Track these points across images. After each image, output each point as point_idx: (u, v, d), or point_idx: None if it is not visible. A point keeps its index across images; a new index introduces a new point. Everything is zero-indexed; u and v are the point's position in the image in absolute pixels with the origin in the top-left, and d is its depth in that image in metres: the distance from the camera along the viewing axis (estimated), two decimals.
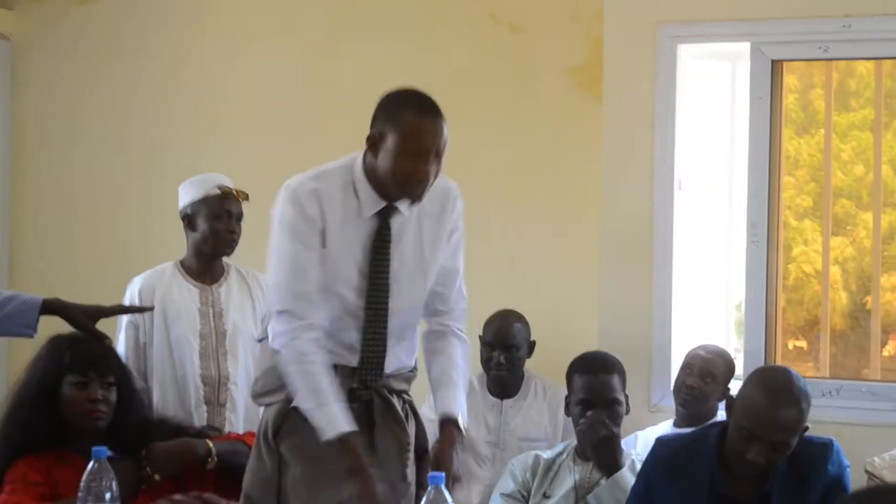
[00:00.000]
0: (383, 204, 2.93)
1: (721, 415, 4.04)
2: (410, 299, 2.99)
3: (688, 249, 4.54)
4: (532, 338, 4.39)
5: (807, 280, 4.65)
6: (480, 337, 4.32)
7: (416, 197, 2.90)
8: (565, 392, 4.35)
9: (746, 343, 4.36)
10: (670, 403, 4.29)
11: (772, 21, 4.30)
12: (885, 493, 1.78)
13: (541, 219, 4.85)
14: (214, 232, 3.81)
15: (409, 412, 3.05)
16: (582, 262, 4.69)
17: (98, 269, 5.36)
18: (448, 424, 2.91)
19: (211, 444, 3.23)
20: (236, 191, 3.86)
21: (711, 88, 4.66)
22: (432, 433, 2.98)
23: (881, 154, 4.45)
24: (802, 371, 4.21)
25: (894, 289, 4.50)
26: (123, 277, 5.32)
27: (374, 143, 2.91)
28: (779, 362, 4.38)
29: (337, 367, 2.93)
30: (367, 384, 2.96)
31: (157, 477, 3.14)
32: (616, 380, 3.55)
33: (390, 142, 2.86)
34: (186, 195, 3.88)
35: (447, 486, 2.59)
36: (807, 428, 3.00)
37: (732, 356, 4.27)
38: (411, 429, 3.03)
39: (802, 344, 4.75)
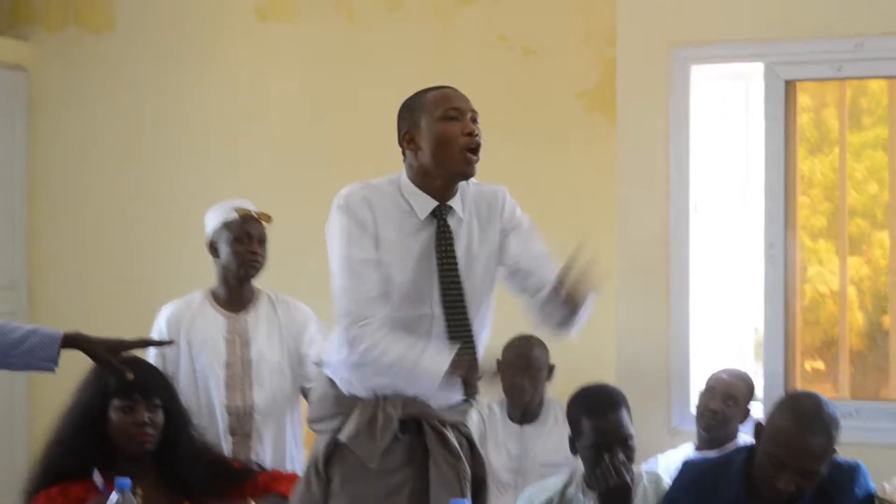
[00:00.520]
0: (436, 203, 2.89)
1: (742, 437, 4.02)
2: (476, 299, 2.93)
3: (704, 271, 4.52)
4: (551, 362, 4.37)
5: (822, 300, 4.63)
6: (498, 361, 4.30)
7: (469, 165, 2.86)
8: None
9: (766, 365, 4.34)
10: (690, 427, 4.27)
11: (785, 41, 4.30)
12: None
13: (555, 242, 4.83)
14: (236, 254, 3.80)
15: (466, 444, 3.01)
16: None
17: (115, 295, 5.38)
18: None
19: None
20: (257, 213, 3.85)
21: (725, 109, 4.66)
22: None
23: (895, 172, 4.44)
24: (821, 392, 4.19)
25: None
26: (139, 302, 5.36)
27: (410, 139, 2.90)
28: (798, 384, 4.36)
29: (387, 398, 2.89)
30: (471, 383, 2.86)
31: None
32: (625, 414, 3.37)
33: (425, 123, 2.86)
34: (209, 223, 3.88)
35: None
36: (835, 451, 2.98)
37: (752, 378, 4.25)
38: (468, 460, 2.98)
39: (820, 365, 4.73)
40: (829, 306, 4.55)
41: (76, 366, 3.17)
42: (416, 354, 2.78)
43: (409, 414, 2.92)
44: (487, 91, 5.02)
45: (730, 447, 3.68)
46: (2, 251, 5.44)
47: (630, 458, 3.34)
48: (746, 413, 4.09)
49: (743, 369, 4.28)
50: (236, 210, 3.84)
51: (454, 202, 2.93)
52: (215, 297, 3.88)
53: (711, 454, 3.60)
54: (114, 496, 2.71)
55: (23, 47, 5.48)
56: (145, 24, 5.37)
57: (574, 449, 3.42)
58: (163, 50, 5.32)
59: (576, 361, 4.51)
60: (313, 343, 3.80)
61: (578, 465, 3.61)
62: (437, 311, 2.89)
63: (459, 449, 2.95)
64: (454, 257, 2.89)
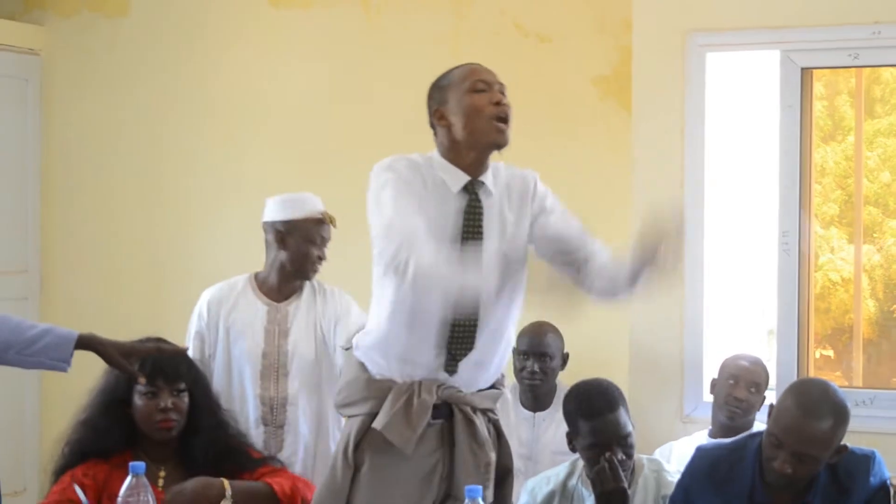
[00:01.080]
0: (468, 178, 2.91)
1: (757, 425, 4.02)
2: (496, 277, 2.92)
3: (718, 259, 4.52)
4: (565, 350, 4.38)
5: (833, 288, 4.63)
6: (514, 347, 4.31)
7: (501, 133, 2.88)
8: None
9: (779, 352, 4.35)
10: (702, 414, 4.28)
11: (801, 29, 4.29)
12: None
13: None
14: (305, 255, 3.78)
15: (494, 431, 3.02)
16: None
17: (127, 280, 5.40)
18: None
19: (227, 485, 3.16)
20: (330, 217, 3.85)
21: (740, 96, 4.65)
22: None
23: None
24: (833, 381, 4.19)
25: None
26: (151, 287, 5.38)
27: (440, 115, 2.94)
28: (810, 372, 4.36)
29: (422, 383, 2.89)
30: (456, 357, 2.90)
31: None
32: (622, 413, 3.34)
33: (453, 98, 2.91)
34: (281, 211, 3.82)
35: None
36: (845, 447, 2.97)
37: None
38: (495, 448, 2.99)
39: (830, 353, 4.73)
40: (841, 294, 4.56)
41: (88, 359, 3.18)
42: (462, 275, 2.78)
43: (443, 398, 2.92)
44: (503, 79, 5.01)
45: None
46: (14, 236, 5.45)
47: (629, 456, 3.33)
48: (763, 400, 4.10)
49: (756, 355, 4.28)
50: (321, 213, 3.82)
51: (486, 178, 2.95)
52: (260, 284, 3.84)
53: (724, 441, 3.60)
54: (129, 479, 2.73)
55: (37, 32, 5.48)
56: (159, 9, 5.36)
57: (572, 448, 3.42)
58: (177, 34, 5.32)
59: (590, 349, 4.51)
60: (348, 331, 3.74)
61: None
62: None
63: (488, 436, 2.96)
64: (480, 230, 2.91)
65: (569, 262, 3.01)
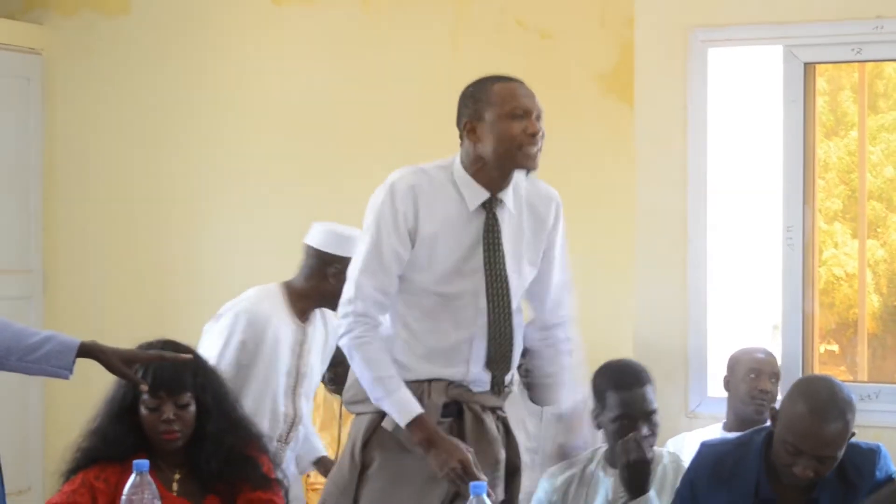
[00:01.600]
0: (487, 195, 2.89)
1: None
2: (517, 292, 2.95)
3: (722, 254, 4.52)
4: None
5: (837, 283, 4.64)
6: None
7: (531, 160, 2.86)
8: None
9: (783, 347, 4.34)
10: (707, 410, 4.28)
11: (803, 24, 4.28)
12: None
13: (573, 225, 4.80)
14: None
15: (503, 429, 3.02)
16: (615, 269, 4.67)
17: (129, 279, 5.39)
18: None
19: None
20: None
21: (742, 92, 4.64)
22: None
23: None
24: (837, 375, 4.19)
25: None
26: (158, 290, 5.37)
27: (471, 128, 2.87)
28: (815, 366, 4.36)
29: (432, 383, 2.91)
30: (499, 380, 2.94)
31: None
32: (650, 390, 3.46)
33: (489, 115, 2.84)
34: (339, 246, 3.71)
35: None
36: (853, 434, 2.98)
37: None
38: (504, 446, 3.00)
39: (835, 347, 4.73)
40: (845, 289, 4.56)
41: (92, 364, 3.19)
42: (390, 386, 2.84)
43: (452, 397, 2.92)
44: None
45: None
46: (17, 235, 5.45)
47: (654, 433, 3.40)
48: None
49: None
50: None
51: (505, 195, 2.92)
52: (292, 300, 3.75)
53: (730, 435, 3.59)
54: (133, 478, 2.71)
55: (37, 31, 5.48)
56: (160, 7, 5.36)
57: (597, 423, 3.47)
58: (177, 33, 5.31)
59: (593, 343, 4.50)
60: None
61: (600, 444, 3.63)
62: (482, 303, 2.90)
63: (497, 434, 2.97)
64: (502, 251, 2.90)
65: (538, 300, 3.07)
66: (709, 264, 4.42)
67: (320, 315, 3.83)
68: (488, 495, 2.82)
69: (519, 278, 2.96)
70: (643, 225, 4.45)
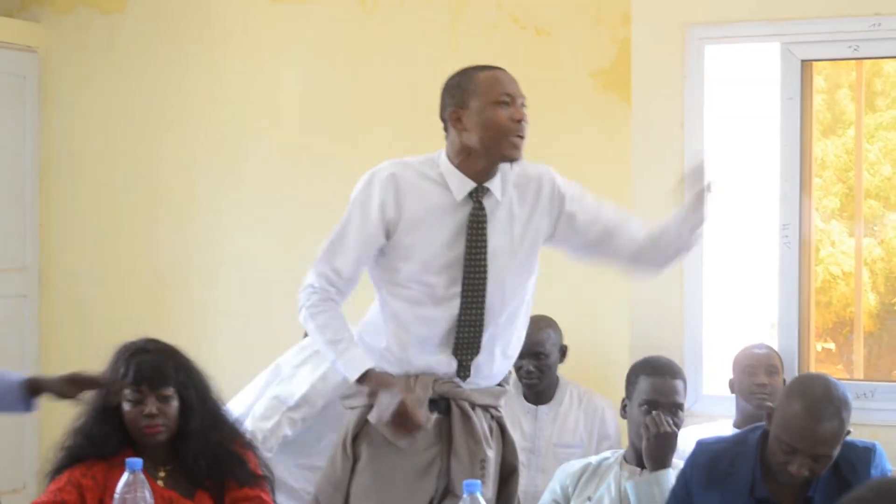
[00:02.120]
0: (474, 185, 2.90)
1: None
2: (506, 281, 2.94)
3: (718, 252, 4.51)
4: (563, 342, 4.36)
5: (834, 281, 4.63)
6: None
7: (516, 149, 2.88)
8: (600, 399, 4.30)
9: (780, 345, 4.33)
10: (703, 408, 4.28)
11: (801, 21, 4.27)
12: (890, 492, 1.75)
13: None
14: None
15: (497, 429, 3.01)
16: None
17: (125, 277, 5.39)
18: None
19: None
20: None
21: (739, 89, 4.63)
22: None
23: None
24: (833, 373, 4.19)
25: None
26: (154, 288, 5.37)
27: (457, 117, 2.90)
28: (811, 364, 4.35)
29: (419, 378, 2.92)
30: (464, 364, 2.93)
31: None
32: (681, 385, 3.58)
33: (474, 103, 2.87)
34: None
35: None
36: (849, 432, 2.97)
37: None
38: (497, 446, 2.98)
39: (831, 346, 4.73)
40: (842, 288, 4.56)
41: (87, 358, 3.18)
42: (341, 347, 2.86)
43: (440, 393, 2.92)
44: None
45: None
46: (13, 234, 5.44)
47: (677, 426, 3.46)
48: (784, 382, 4.08)
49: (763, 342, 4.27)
50: None
51: (492, 184, 2.92)
52: None
53: (724, 435, 3.59)
54: (126, 476, 2.71)
55: (33, 29, 5.47)
56: (156, 5, 5.35)
57: (624, 413, 3.59)
58: (174, 30, 5.31)
59: (590, 343, 4.51)
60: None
61: (606, 447, 3.65)
62: (457, 289, 2.91)
63: (488, 433, 2.95)
64: (484, 242, 2.90)
65: (612, 252, 3.05)
66: (705, 262, 4.41)
67: None
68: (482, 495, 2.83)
69: (508, 268, 2.95)
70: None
